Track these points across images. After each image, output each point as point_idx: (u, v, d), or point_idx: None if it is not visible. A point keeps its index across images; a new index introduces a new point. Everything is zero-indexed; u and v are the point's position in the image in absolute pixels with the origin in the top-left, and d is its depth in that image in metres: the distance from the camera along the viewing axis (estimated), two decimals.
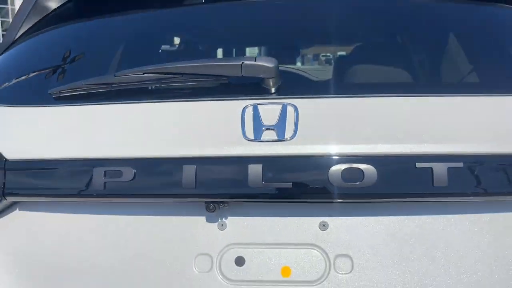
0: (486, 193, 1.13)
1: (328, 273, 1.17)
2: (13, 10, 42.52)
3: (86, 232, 1.26)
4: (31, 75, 1.53)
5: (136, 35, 1.61)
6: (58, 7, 1.74)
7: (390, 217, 1.18)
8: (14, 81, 1.53)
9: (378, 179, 1.11)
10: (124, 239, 1.24)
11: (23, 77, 1.53)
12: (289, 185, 1.14)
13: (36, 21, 1.72)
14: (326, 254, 1.18)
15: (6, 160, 1.25)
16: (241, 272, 1.19)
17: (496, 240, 1.14)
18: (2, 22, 42.06)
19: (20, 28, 1.70)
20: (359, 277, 1.16)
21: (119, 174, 1.19)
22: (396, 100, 1.20)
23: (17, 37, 1.70)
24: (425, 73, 1.43)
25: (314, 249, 1.19)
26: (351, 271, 1.16)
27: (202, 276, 1.19)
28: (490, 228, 1.15)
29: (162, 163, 1.19)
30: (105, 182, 1.19)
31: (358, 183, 1.11)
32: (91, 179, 1.20)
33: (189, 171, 1.15)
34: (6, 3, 42.57)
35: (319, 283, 1.17)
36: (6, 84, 1.51)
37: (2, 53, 1.67)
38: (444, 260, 1.14)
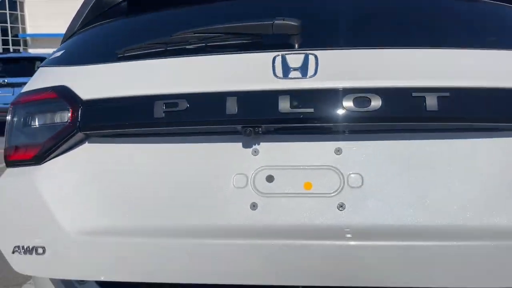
0: (468, 118, 1.42)
1: (342, 187, 1.45)
2: (22, 16, 43.06)
3: (145, 158, 1.57)
4: (98, 46, 1.90)
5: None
6: (113, 6, 2.17)
7: (395, 141, 1.47)
8: (84, 50, 1.90)
9: (382, 105, 1.40)
10: (177, 163, 1.55)
11: (92, 47, 1.90)
12: (311, 110, 1.43)
13: (96, 14, 2.13)
14: (341, 172, 1.46)
15: (81, 100, 1.59)
16: (271, 187, 1.47)
17: (485, 159, 1.43)
18: (12, 27, 42.61)
19: (81, 20, 2.12)
20: (368, 190, 1.43)
21: (175, 105, 1.49)
22: (396, 51, 1.52)
23: (76, 28, 2.10)
24: (416, 31, 1.70)
25: (331, 169, 1.47)
26: (361, 186, 1.44)
27: (239, 190, 1.48)
28: (480, 150, 1.44)
29: (210, 96, 1.49)
30: (164, 112, 1.49)
31: (366, 108, 1.41)
32: (152, 111, 1.50)
33: (231, 102, 1.45)
34: (15, 10, 43.14)
35: (335, 195, 1.45)
36: (78, 52, 1.88)
37: (70, 37, 2.06)
38: (441, 177, 1.42)
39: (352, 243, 1.40)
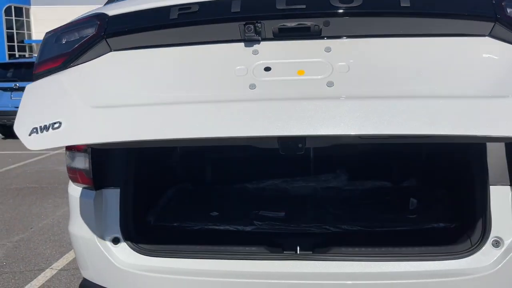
0: (431, 14, 1.68)
1: (331, 72, 1.66)
2: (27, 22, 43.53)
3: (164, 59, 1.81)
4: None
5: None
6: None
7: (376, 39, 1.71)
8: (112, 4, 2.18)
9: (363, 1, 1.67)
10: (188, 62, 1.80)
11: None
12: (303, 6, 1.69)
13: None
14: (330, 64, 1.67)
15: (108, 15, 1.87)
16: (268, 74, 1.69)
17: (434, 55, 1.70)
18: (17, 33, 43.03)
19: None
20: (353, 73, 1.66)
21: (188, 8, 1.76)
22: None
23: None
24: None
25: (321, 61, 1.69)
26: (348, 71, 1.66)
27: (240, 77, 1.70)
28: (431, 47, 1.70)
29: (217, 1, 1.76)
30: (179, 14, 1.76)
31: (350, 4, 1.67)
32: (168, 15, 1.76)
33: (236, 3, 1.72)
34: (21, 16, 43.57)
35: (324, 77, 1.64)
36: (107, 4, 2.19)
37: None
38: (403, 63, 1.70)
39: (341, 102, 1.61)
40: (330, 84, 1.63)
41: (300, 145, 1.89)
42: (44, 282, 3.59)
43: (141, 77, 1.82)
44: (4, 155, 9.49)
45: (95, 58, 1.85)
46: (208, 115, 1.62)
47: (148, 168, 2.55)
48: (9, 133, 12.30)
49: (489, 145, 2.02)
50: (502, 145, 2.02)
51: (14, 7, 42.24)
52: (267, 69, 1.69)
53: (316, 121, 1.52)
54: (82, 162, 2.23)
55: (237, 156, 3.23)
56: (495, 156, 2.01)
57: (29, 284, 3.56)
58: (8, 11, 41.63)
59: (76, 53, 1.86)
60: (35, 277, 3.67)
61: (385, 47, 1.73)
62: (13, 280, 3.65)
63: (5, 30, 40.78)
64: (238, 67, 1.71)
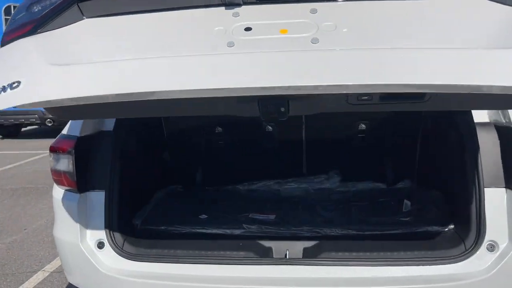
0: None
1: (317, 31, 1.58)
2: None
3: (137, 24, 1.75)
4: None
5: None
6: None
7: (355, 3, 1.69)
8: None
9: None
10: (169, 26, 1.73)
11: None
12: None
13: None
14: (316, 23, 1.61)
15: None
16: (248, 34, 1.61)
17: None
18: None
19: None
20: (340, 31, 1.59)
21: None
22: None
23: None
24: None
25: (306, 21, 1.62)
26: (334, 29, 1.59)
27: (218, 37, 1.61)
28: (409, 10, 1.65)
29: None
30: None
31: None
32: None
33: None
34: None
35: (309, 35, 1.57)
36: None
37: None
38: (385, 25, 1.65)
39: (327, 54, 1.54)
40: (315, 40, 1.56)
41: (282, 109, 1.80)
42: (35, 284, 3.55)
43: (113, 40, 1.75)
44: (1, 155, 9.42)
45: (67, 25, 1.78)
46: (178, 69, 1.54)
47: (135, 170, 2.50)
48: (7, 133, 12.26)
49: (483, 146, 1.98)
50: (497, 146, 1.98)
51: (14, 6, 42.22)
52: (248, 29, 1.63)
53: (299, 72, 1.46)
54: (65, 164, 2.18)
55: (228, 156, 3.18)
56: (490, 157, 1.96)
57: (20, 287, 3.52)
58: (7, 11, 41.61)
59: (45, 19, 1.78)
60: (27, 279, 3.63)
61: (374, 8, 1.67)
62: (4, 283, 3.61)
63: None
64: (218, 28, 1.65)
